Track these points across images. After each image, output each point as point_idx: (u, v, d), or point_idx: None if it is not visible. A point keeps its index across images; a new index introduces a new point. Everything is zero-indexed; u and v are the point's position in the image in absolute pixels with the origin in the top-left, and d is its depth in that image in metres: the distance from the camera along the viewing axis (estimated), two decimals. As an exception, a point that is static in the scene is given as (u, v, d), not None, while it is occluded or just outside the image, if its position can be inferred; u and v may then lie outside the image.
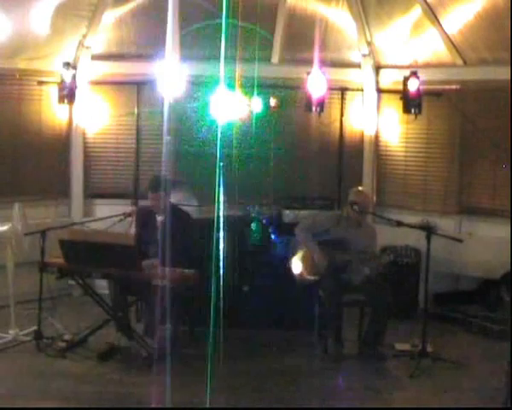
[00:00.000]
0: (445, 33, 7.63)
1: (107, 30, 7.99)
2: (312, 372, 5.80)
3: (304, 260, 6.24)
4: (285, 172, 8.11)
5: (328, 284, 6.09)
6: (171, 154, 8.22)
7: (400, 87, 7.77)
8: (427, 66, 7.92)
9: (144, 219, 6.36)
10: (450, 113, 7.88)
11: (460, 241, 6.10)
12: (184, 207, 6.63)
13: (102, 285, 6.33)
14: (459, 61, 7.71)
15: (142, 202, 7.46)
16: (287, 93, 8.00)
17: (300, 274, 6.25)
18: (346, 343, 6.16)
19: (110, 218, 6.40)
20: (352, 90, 8.28)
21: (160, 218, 6.29)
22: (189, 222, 6.40)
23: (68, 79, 7.66)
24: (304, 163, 8.17)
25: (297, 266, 6.29)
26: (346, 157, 8.30)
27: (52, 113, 7.91)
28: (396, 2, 7.79)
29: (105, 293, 6.19)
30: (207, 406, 5.11)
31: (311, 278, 6.18)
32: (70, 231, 6.38)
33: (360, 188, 6.66)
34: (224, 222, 7.08)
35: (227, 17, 7.59)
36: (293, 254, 6.33)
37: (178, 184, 7.45)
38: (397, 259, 6.48)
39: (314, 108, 7.80)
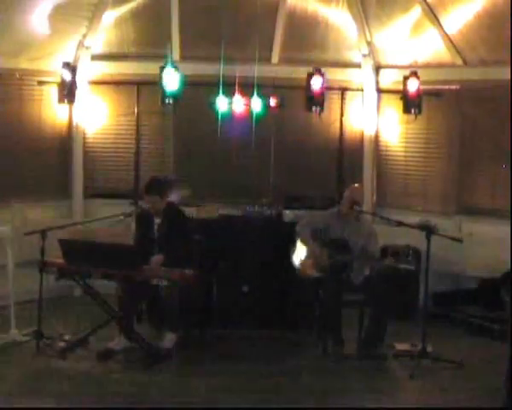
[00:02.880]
0: (445, 33, 7.63)
1: (107, 30, 7.99)
2: (312, 372, 5.80)
3: (307, 257, 6.26)
4: (285, 171, 8.12)
5: (328, 284, 6.09)
6: (170, 154, 8.24)
7: (400, 87, 7.77)
8: (427, 66, 7.92)
9: (144, 221, 6.36)
10: (450, 113, 7.88)
11: (460, 241, 6.10)
12: (182, 207, 6.63)
13: (102, 285, 6.31)
14: (459, 61, 7.71)
15: (142, 202, 7.46)
16: (287, 93, 8.00)
17: (303, 271, 6.26)
18: (346, 343, 6.16)
19: (110, 218, 6.39)
20: (352, 90, 8.29)
21: (157, 219, 6.30)
22: (185, 221, 6.40)
23: (68, 79, 7.67)
24: (304, 163, 8.17)
25: (300, 263, 6.31)
26: (346, 157, 8.30)
27: (52, 113, 7.91)
28: (396, 2, 7.79)
29: (105, 293, 6.18)
30: (207, 406, 5.12)
31: (315, 274, 6.18)
32: (70, 231, 6.38)
33: (357, 185, 6.66)
34: (224, 222, 7.09)
35: (227, 17, 7.63)
36: (295, 252, 6.35)
37: (177, 183, 7.46)
38: (398, 262, 6.41)
39: (314, 108, 7.81)
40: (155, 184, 6.34)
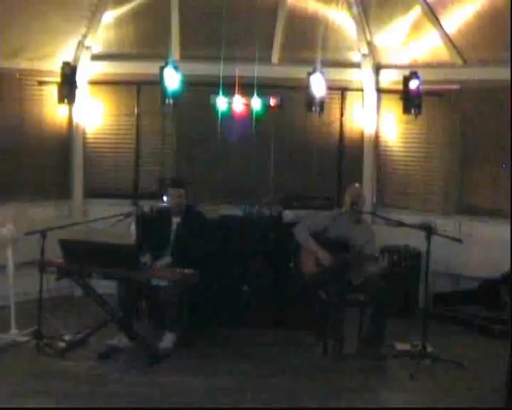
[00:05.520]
0: (445, 33, 7.63)
1: (107, 30, 7.99)
2: (312, 372, 5.80)
3: (306, 258, 6.26)
4: (285, 172, 8.13)
5: (330, 284, 6.09)
6: (170, 154, 8.24)
7: (400, 87, 7.77)
8: (427, 66, 7.91)
9: (161, 218, 6.41)
10: (450, 113, 7.88)
11: (460, 241, 6.10)
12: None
13: (102, 285, 6.32)
14: (459, 61, 7.71)
15: (142, 202, 7.47)
16: (287, 93, 8.01)
17: (304, 271, 6.26)
18: (345, 343, 6.15)
19: (110, 218, 6.39)
20: (352, 90, 8.29)
21: (175, 218, 6.35)
22: (204, 222, 6.45)
23: (68, 80, 7.66)
24: (304, 163, 8.18)
25: (300, 263, 6.31)
26: (346, 157, 8.30)
27: (52, 113, 7.91)
28: (396, 2, 7.79)
29: (105, 293, 6.19)
30: (207, 406, 5.11)
31: (315, 274, 6.18)
32: (70, 231, 6.38)
33: (357, 185, 6.65)
34: (223, 222, 7.10)
35: (227, 17, 7.63)
36: (295, 253, 6.35)
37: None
38: (394, 263, 6.37)
39: (314, 108, 7.81)
40: (181, 181, 6.49)
